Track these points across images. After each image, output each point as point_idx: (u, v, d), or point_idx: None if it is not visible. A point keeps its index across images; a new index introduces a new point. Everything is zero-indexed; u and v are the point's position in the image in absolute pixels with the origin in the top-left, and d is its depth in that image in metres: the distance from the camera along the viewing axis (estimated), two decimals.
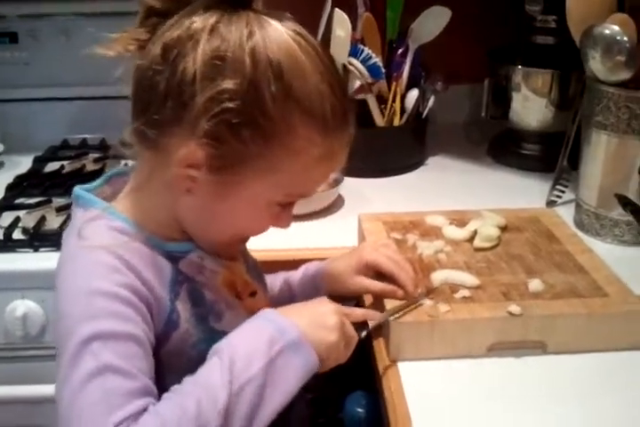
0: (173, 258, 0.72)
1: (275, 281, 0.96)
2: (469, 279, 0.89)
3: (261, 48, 0.64)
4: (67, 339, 0.62)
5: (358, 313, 0.79)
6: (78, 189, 0.74)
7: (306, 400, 0.87)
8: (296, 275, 0.96)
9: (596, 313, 0.84)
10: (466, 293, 0.87)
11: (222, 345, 0.66)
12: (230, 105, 0.63)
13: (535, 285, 0.88)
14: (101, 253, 0.66)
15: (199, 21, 0.64)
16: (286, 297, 0.94)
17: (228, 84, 0.63)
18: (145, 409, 0.59)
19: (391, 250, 0.91)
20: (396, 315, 0.82)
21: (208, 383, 0.62)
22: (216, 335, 0.71)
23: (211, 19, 0.64)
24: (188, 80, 0.63)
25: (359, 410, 1.06)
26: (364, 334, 0.79)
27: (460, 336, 0.83)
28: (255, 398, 0.62)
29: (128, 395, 0.59)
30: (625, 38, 1.03)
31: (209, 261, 0.74)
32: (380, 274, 0.89)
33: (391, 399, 0.79)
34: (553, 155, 1.30)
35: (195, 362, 0.68)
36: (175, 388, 0.63)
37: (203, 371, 0.64)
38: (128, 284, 0.65)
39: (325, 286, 0.91)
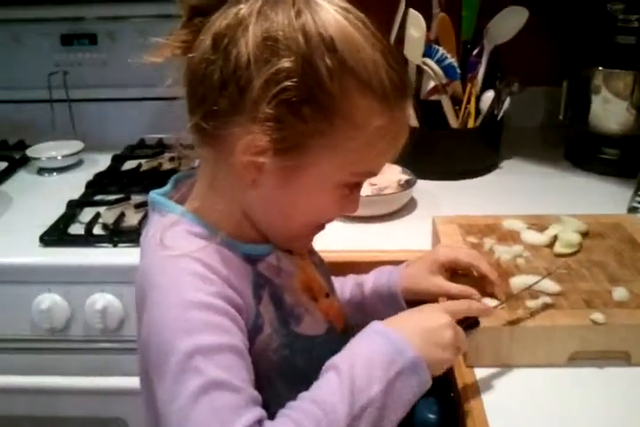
0: (251, 261, 0.71)
1: (345, 284, 0.95)
2: (550, 286, 0.87)
3: (311, 25, 0.63)
4: (166, 354, 0.61)
5: (475, 310, 0.77)
6: (154, 195, 0.75)
7: None
8: (368, 278, 0.95)
9: None
10: (547, 299, 0.85)
11: (338, 361, 0.65)
12: (288, 83, 0.62)
13: (620, 293, 0.85)
14: (188, 262, 0.66)
15: (245, 8, 0.64)
16: (358, 300, 0.94)
17: (284, 62, 0.62)
18: (259, 421, 0.59)
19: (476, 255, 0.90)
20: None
21: (328, 403, 0.61)
22: (296, 339, 0.71)
23: (256, 4, 0.64)
24: (243, 65, 0.63)
25: (431, 416, 1.04)
26: (474, 332, 0.77)
27: (541, 344, 0.81)
28: (374, 420, 0.62)
29: (237, 409, 0.59)
30: None
31: (285, 263, 0.74)
32: (456, 275, 0.88)
33: (469, 407, 0.77)
34: (634, 159, 1.27)
35: (275, 367, 0.68)
36: (292, 404, 0.62)
37: (321, 389, 0.63)
38: (219, 292, 0.64)
39: (400, 289, 0.90)
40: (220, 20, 0.65)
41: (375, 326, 0.69)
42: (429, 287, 0.88)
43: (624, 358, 0.81)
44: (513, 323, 0.81)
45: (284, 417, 0.61)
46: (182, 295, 0.64)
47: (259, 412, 0.60)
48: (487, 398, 0.77)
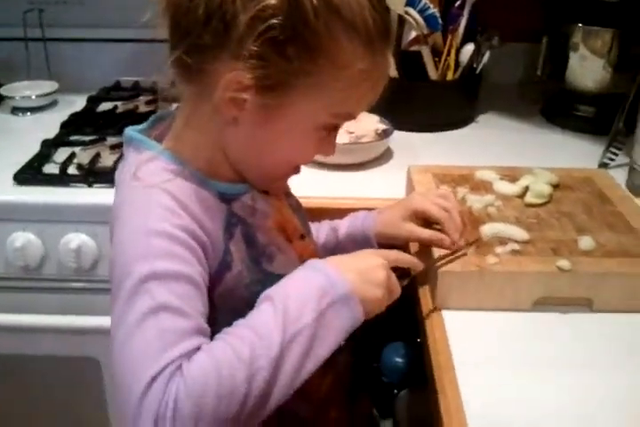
0: (226, 200, 0.72)
1: (320, 229, 0.97)
2: (519, 233, 0.89)
3: None
4: (123, 278, 0.62)
5: (405, 259, 0.79)
6: (131, 131, 0.75)
7: (348, 348, 0.88)
8: (343, 223, 0.97)
9: None
10: (515, 246, 0.87)
11: (273, 292, 0.66)
12: (274, 21, 0.62)
13: (586, 242, 0.88)
14: (159, 195, 0.67)
15: None
16: (332, 244, 0.95)
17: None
18: (198, 348, 0.60)
19: (448, 199, 0.91)
20: (440, 263, 0.83)
21: (262, 330, 0.62)
22: (268, 277, 0.72)
23: None
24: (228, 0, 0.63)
25: (398, 360, 1.08)
26: (405, 282, 0.79)
27: (507, 288, 0.83)
28: (305, 348, 0.63)
29: (182, 333, 0.60)
30: None
31: (260, 204, 0.75)
32: (428, 223, 0.90)
33: (434, 346, 0.80)
34: (607, 117, 1.28)
35: (247, 303, 0.69)
36: (228, 330, 0.63)
37: (255, 316, 0.65)
38: (185, 226, 0.65)
39: (374, 233, 0.92)
40: None
41: (313, 262, 0.70)
42: (402, 232, 0.90)
43: (587, 305, 0.84)
44: (482, 267, 0.83)
45: (219, 341, 0.62)
46: (147, 224, 0.65)
47: (203, 341, 0.61)
48: (453, 340, 0.80)
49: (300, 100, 0.67)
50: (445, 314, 0.84)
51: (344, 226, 0.96)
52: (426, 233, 0.88)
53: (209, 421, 0.57)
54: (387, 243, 0.91)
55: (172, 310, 0.60)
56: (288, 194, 0.86)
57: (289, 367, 0.61)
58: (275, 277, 0.71)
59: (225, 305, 0.69)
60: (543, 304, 0.84)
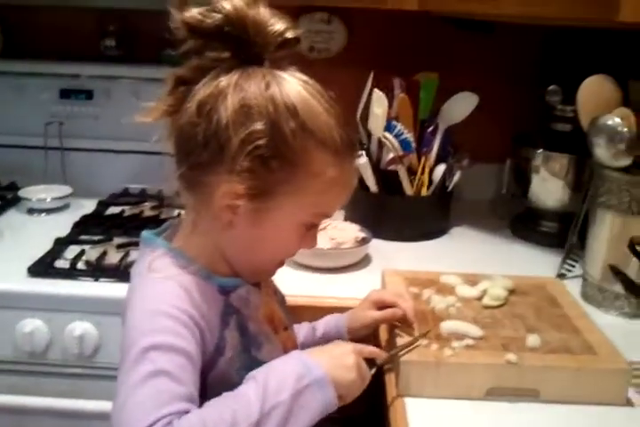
0: (224, 291, 0.85)
1: (301, 329, 1.08)
2: (474, 330, 1.01)
3: (278, 95, 0.78)
4: (130, 348, 0.74)
5: (367, 351, 0.91)
6: (147, 233, 0.89)
7: None
8: (320, 323, 1.09)
9: (584, 368, 0.94)
10: (470, 342, 0.98)
11: (256, 373, 0.78)
12: (260, 142, 0.76)
13: (532, 340, 0.99)
14: (169, 283, 0.79)
15: (224, 80, 0.78)
16: (310, 342, 1.06)
17: (256, 125, 0.76)
18: (188, 411, 0.70)
19: (402, 294, 1.06)
20: (400, 353, 0.95)
21: (244, 399, 0.73)
22: (255, 364, 0.83)
23: (233, 77, 0.78)
24: (223, 127, 0.76)
25: None
26: (373, 370, 0.90)
27: (462, 379, 0.94)
28: (280, 421, 0.73)
29: (176, 396, 0.71)
30: (625, 129, 1.17)
31: (253, 296, 0.88)
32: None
33: None
34: (568, 232, 1.40)
35: (236, 385, 0.79)
36: (215, 399, 0.74)
37: (239, 390, 0.75)
38: (188, 311, 0.77)
39: (345, 330, 1.05)
40: (203, 90, 0.79)
41: (292, 353, 0.83)
42: (365, 320, 1.04)
43: (534, 396, 0.94)
44: (438, 358, 0.94)
45: (207, 406, 0.72)
46: (156, 306, 0.77)
47: (193, 407, 0.71)
48: (414, 425, 0.89)
49: (284, 204, 0.81)
50: (407, 401, 0.94)
51: (321, 326, 1.08)
52: (378, 313, 1.03)
53: None
54: (358, 337, 1.03)
55: (168, 376, 0.71)
56: (275, 291, 0.98)
57: None
58: (261, 364, 0.82)
59: (217, 388, 0.78)
60: (495, 394, 0.94)
